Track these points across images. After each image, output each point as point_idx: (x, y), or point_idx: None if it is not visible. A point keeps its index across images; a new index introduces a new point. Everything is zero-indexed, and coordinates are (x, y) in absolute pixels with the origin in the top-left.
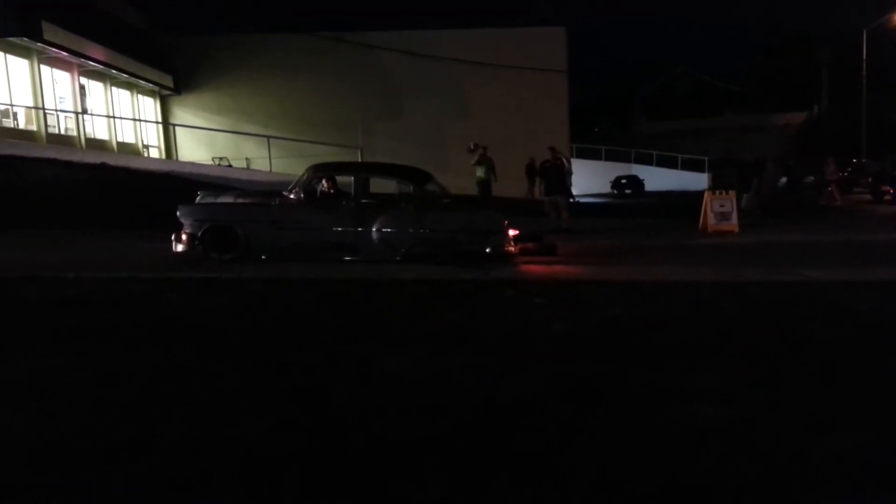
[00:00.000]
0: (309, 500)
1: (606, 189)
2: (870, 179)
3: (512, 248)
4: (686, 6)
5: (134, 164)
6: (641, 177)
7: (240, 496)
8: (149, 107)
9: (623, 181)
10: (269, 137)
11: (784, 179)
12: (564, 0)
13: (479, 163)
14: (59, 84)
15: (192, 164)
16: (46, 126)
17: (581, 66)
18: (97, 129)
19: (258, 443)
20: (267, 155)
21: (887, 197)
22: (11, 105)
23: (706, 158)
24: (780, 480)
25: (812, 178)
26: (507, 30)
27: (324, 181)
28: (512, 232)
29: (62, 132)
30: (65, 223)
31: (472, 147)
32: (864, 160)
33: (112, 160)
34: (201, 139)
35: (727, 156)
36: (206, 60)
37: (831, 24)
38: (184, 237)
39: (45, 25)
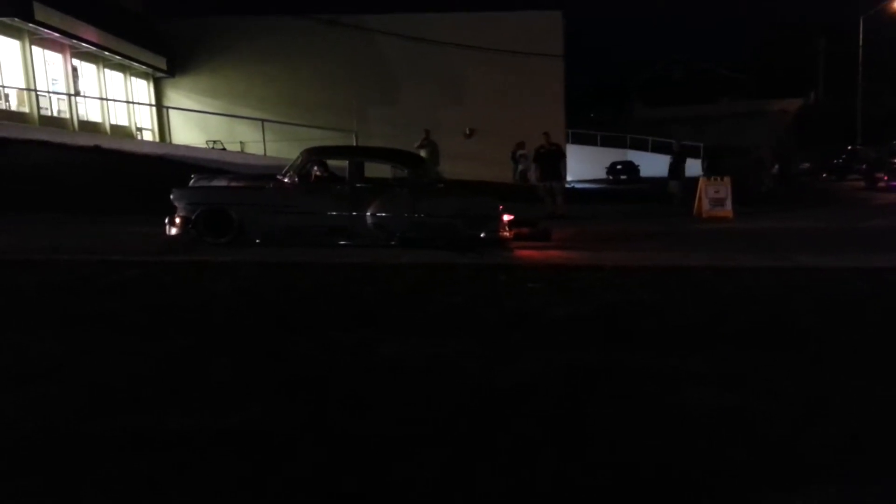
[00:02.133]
0: (306, 484)
1: (602, 175)
2: (864, 166)
3: (507, 234)
4: None
5: (127, 146)
6: (637, 163)
7: (236, 482)
8: (142, 89)
9: (618, 167)
10: (263, 121)
11: (777, 167)
12: None
13: (421, 146)
14: (51, 65)
15: (186, 147)
16: (38, 108)
17: (578, 51)
18: (90, 111)
19: (255, 429)
20: (261, 138)
21: (881, 184)
22: (3, 86)
23: (701, 145)
24: (776, 465)
25: (808, 164)
26: (503, 13)
27: (318, 165)
28: (507, 217)
29: (54, 114)
30: (57, 206)
31: (467, 132)
32: (858, 147)
33: (105, 143)
34: (195, 122)
35: (679, 143)
36: (200, 43)
37: (828, 11)
38: (177, 221)
39: (37, 6)
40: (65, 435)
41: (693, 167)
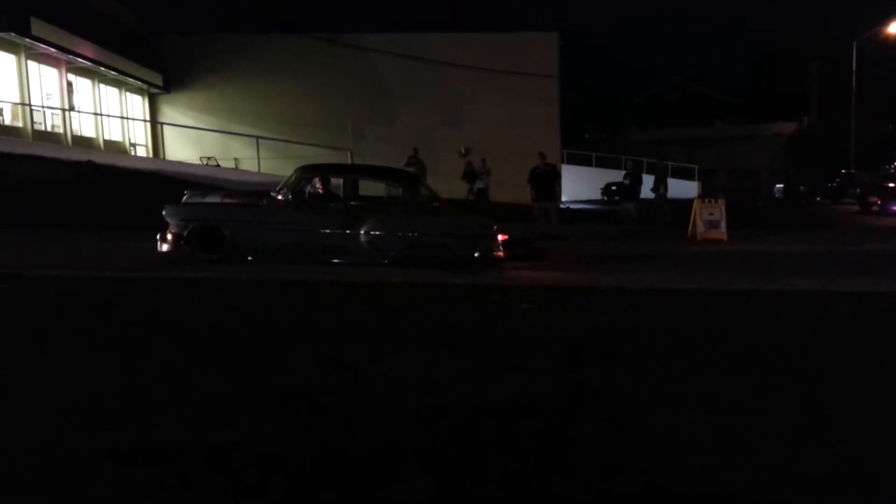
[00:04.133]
0: (298, 500)
1: (597, 195)
2: (857, 190)
3: (501, 253)
4: (679, 16)
5: (121, 162)
6: None
7: (228, 497)
8: (137, 105)
9: (613, 188)
10: (258, 138)
11: (780, 186)
12: (558, 6)
13: (408, 164)
14: (46, 80)
15: (180, 163)
16: (32, 122)
17: (573, 72)
18: (84, 126)
19: (245, 446)
20: (256, 155)
21: (875, 208)
22: None
23: (696, 167)
24: (766, 488)
25: (802, 188)
26: (500, 34)
27: (312, 182)
28: (501, 237)
29: (48, 129)
30: (49, 221)
31: (463, 151)
32: (852, 171)
33: (98, 158)
34: (190, 138)
35: (633, 165)
36: (196, 59)
37: (822, 36)
38: (169, 237)
39: (34, 21)
40: (53, 451)
41: (688, 189)
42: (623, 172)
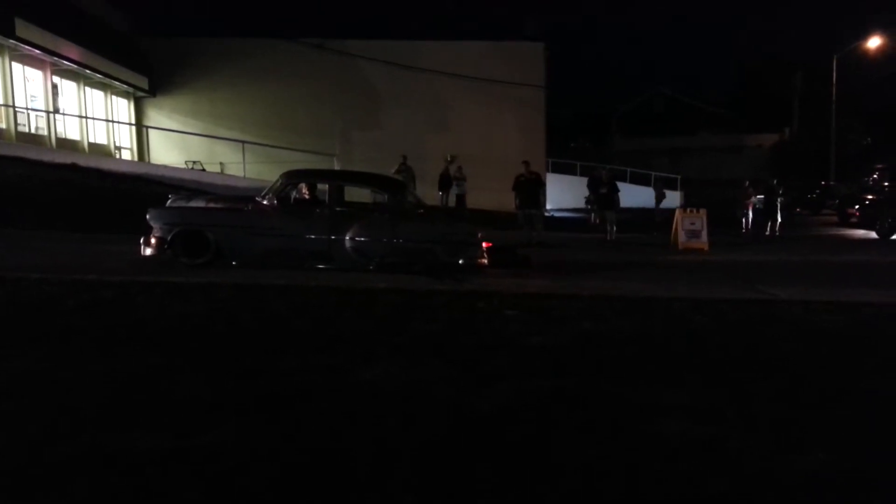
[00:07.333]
0: None
1: (582, 204)
2: (837, 202)
3: (485, 261)
4: (666, 27)
5: (105, 165)
6: None
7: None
8: (122, 108)
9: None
10: (244, 142)
11: (760, 197)
12: (545, 17)
13: (398, 172)
14: (30, 82)
15: (165, 167)
16: (16, 124)
17: (560, 81)
18: (69, 129)
19: (225, 452)
20: (242, 160)
21: (853, 220)
22: None
23: (679, 177)
24: (746, 496)
25: (781, 199)
26: (487, 43)
27: (298, 188)
28: (486, 244)
29: (32, 131)
30: (32, 223)
31: (449, 158)
32: (832, 183)
33: (83, 161)
34: (175, 142)
35: (609, 172)
36: (182, 63)
37: (805, 50)
38: (153, 241)
39: (19, 22)
40: (31, 454)
41: (671, 199)
42: (586, 180)
